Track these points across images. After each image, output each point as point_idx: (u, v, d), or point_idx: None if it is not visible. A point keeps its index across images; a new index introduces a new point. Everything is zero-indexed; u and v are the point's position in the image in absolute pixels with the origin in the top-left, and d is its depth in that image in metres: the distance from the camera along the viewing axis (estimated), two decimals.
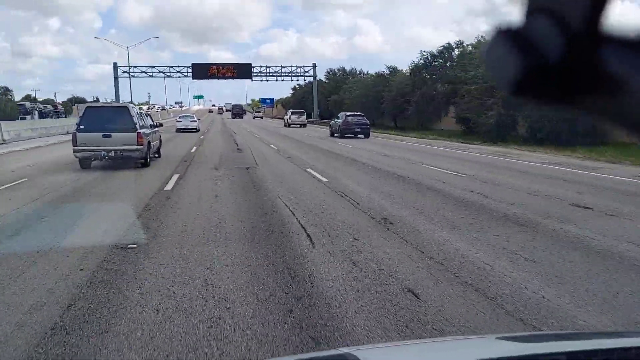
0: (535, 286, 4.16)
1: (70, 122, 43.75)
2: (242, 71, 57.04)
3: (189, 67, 56.01)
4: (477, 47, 36.72)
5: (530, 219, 6.75)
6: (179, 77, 57.19)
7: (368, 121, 29.98)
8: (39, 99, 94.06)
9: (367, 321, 3.50)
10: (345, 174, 11.69)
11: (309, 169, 12.66)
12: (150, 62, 63.96)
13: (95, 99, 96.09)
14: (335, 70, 67.06)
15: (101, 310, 3.72)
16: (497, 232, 6.05)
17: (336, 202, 8.09)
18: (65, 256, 5.09)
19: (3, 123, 29.87)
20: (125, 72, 54.20)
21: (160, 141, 16.58)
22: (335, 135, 28.77)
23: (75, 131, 12.81)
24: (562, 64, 0.39)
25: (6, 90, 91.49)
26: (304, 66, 58.61)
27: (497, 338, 1.48)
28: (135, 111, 13.84)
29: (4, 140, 27.20)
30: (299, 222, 6.56)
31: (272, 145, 21.57)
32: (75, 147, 12.61)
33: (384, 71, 52.83)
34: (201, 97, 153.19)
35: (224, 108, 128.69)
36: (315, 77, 59.34)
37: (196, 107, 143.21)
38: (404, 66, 52.55)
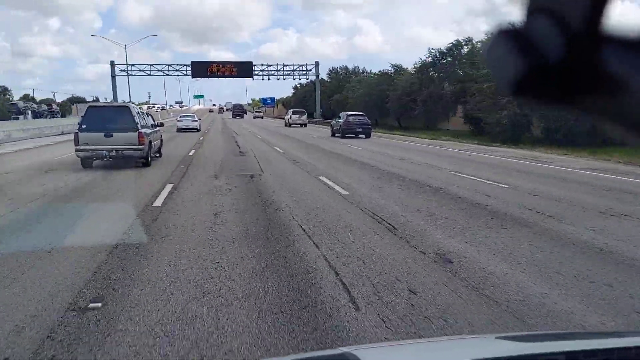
0: None
1: (66, 122, 42.07)
2: (243, 69, 55.21)
3: (188, 65, 54.23)
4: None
5: None
6: (178, 75, 55.54)
7: (369, 121, 29.16)
8: (38, 99, 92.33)
9: None
10: (365, 184, 9.98)
11: (322, 178, 10.94)
12: (149, 62, 63.09)
13: (94, 98, 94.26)
14: (338, 69, 65.39)
15: None
16: (607, 279, 4.33)
17: (366, 226, 6.38)
18: None
19: None
20: (123, 70, 52.43)
21: (162, 141, 16.27)
22: (337, 135, 28.07)
23: (77, 131, 12.74)
24: (562, 64, 0.38)
25: (5, 90, 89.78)
26: (306, 64, 56.81)
27: (496, 338, 1.46)
28: (137, 111, 13.71)
29: None
30: (328, 262, 4.83)
31: (276, 148, 19.85)
32: (77, 147, 12.58)
33: (388, 70, 51.20)
34: (201, 96, 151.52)
35: (225, 108, 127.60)
36: (317, 76, 57.57)
37: (196, 107, 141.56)
38: (405, 65, 51.07)
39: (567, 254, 5.09)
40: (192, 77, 55.53)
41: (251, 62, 56.13)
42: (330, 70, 66.14)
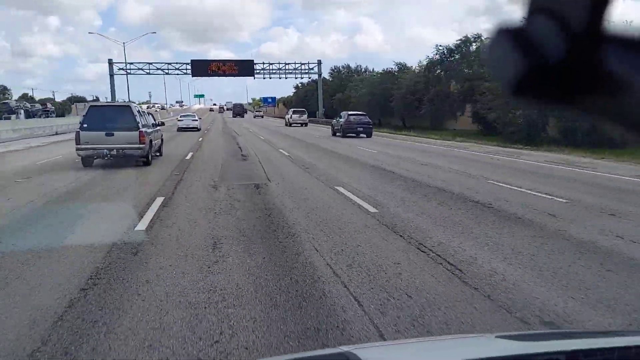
0: None
1: (60, 122, 40.27)
2: (244, 68, 53.39)
3: (188, 64, 52.44)
4: None
5: None
6: (177, 74, 53.76)
7: (370, 120, 28.64)
8: (37, 99, 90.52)
9: None
10: (394, 198, 8.25)
11: (339, 188, 9.23)
12: (149, 61, 60.89)
13: (94, 98, 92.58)
14: (340, 68, 63.62)
15: None
16: None
17: (419, 267, 4.64)
18: None
19: None
20: (122, 69, 50.62)
21: (162, 140, 16.18)
22: (337, 134, 27.70)
23: (78, 130, 12.74)
24: (562, 63, 0.38)
25: (4, 90, 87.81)
26: (308, 63, 55.02)
27: (496, 337, 1.42)
28: (138, 110, 13.64)
29: None
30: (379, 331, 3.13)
31: (280, 150, 18.10)
32: (79, 146, 12.58)
33: (391, 68, 49.48)
34: (202, 96, 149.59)
35: (225, 107, 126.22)
36: (320, 75, 55.78)
37: (197, 106, 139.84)
38: (409, 64, 49.31)
39: None
40: (192, 76, 53.79)
41: (252, 60, 54.40)
42: (332, 69, 64.38)
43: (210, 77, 61.26)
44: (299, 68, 54.99)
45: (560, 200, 7.94)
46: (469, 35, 36.99)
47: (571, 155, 16.20)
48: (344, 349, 1.20)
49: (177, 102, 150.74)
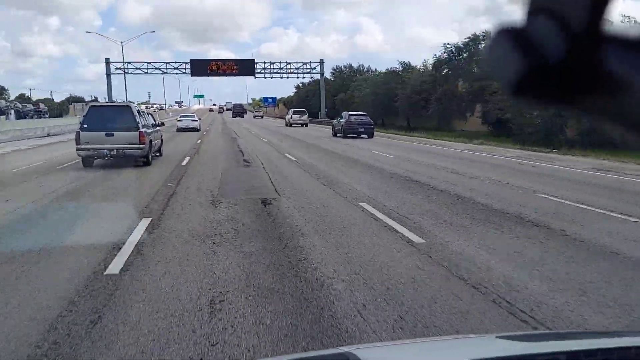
0: None
1: (53, 124, 38.44)
2: (245, 67, 51.62)
3: (187, 63, 50.67)
4: None
5: None
6: (176, 73, 51.86)
7: (371, 121, 28.26)
8: (35, 99, 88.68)
9: None
10: (439, 220, 6.53)
11: (365, 205, 7.55)
12: (148, 60, 58.95)
13: (93, 98, 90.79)
14: (342, 67, 61.95)
15: None
16: None
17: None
18: None
19: None
20: (119, 68, 48.85)
21: (162, 140, 16.17)
22: (338, 135, 27.39)
23: (78, 130, 12.75)
24: (562, 64, 0.38)
25: (1, 90, 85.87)
26: (310, 62, 53.30)
27: (497, 337, 1.43)
28: (138, 110, 13.57)
29: None
30: None
31: (287, 154, 16.40)
32: (79, 146, 12.55)
33: (395, 67, 47.82)
34: (201, 96, 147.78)
35: (225, 107, 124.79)
36: (322, 74, 54.05)
37: (196, 107, 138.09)
38: (414, 63, 47.76)
39: None
40: (192, 76, 51.96)
41: (253, 59, 52.67)
42: (334, 69, 62.71)
43: (210, 77, 59.60)
44: (301, 67, 53.25)
45: None
46: (477, 33, 35.38)
47: (609, 160, 14.51)
48: (344, 349, 1.17)
49: (176, 102, 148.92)
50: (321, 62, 53.46)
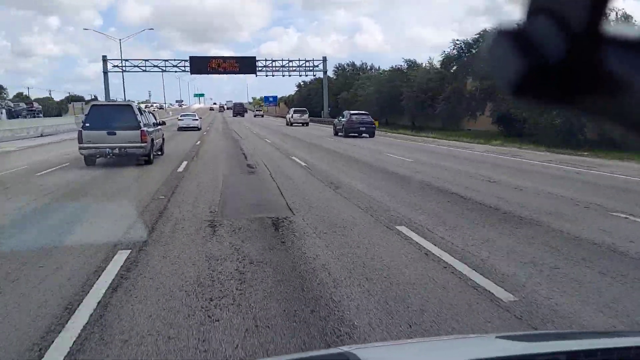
0: None
1: (48, 123, 36.67)
2: (245, 65, 49.82)
3: (186, 61, 48.90)
4: None
5: None
6: (176, 71, 50.01)
7: (373, 120, 27.88)
8: (33, 97, 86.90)
9: None
10: (508, 253, 4.88)
11: (404, 230, 5.90)
12: (146, 58, 56.78)
13: (93, 97, 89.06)
14: (345, 65, 60.24)
15: None
16: None
17: None
18: None
19: None
20: (116, 66, 47.07)
21: (163, 139, 16.02)
22: (339, 134, 27.19)
23: (80, 129, 12.72)
24: (562, 63, 0.38)
25: (0, 89, 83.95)
26: (313, 60, 51.50)
27: (497, 337, 1.41)
28: (139, 109, 13.56)
29: None
30: None
31: (294, 158, 14.73)
32: (81, 145, 12.53)
33: (400, 65, 46.12)
34: (202, 95, 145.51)
35: (225, 106, 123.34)
36: (325, 72, 52.28)
37: (197, 106, 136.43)
38: (417, 60, 46.06)
39: None
40: (191, 74, 50.19)
41: (254, 57, 50.82)
42: (336, 67, 61.00)
43: (210, 76, 57.75)
44: (303, 65, 51.48)
45: None
46: (488, 29, 33.68)
47: None
48: (344, 349, 1.15)
49: (177, 101, 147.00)
50: (324, 60, 51.71)
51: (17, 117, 41.77)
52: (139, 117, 12.74)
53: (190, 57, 48.88)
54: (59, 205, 7.79)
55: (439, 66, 37.53)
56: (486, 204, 7.52)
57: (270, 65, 50.83)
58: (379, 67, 56.55)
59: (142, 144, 12.49)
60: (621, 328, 3.31)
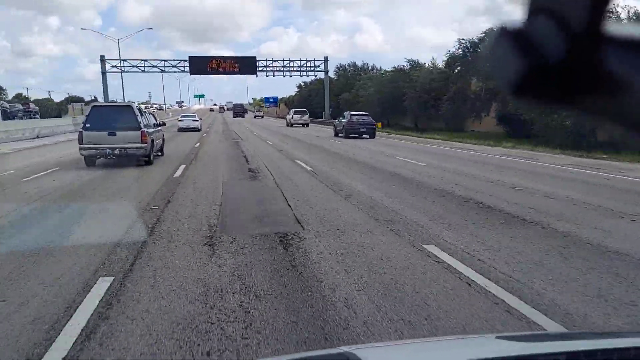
0: None
1: (45, 124, 35.71)
2: (246, 65, 48.93)
3: (186, 61, 48.00)
4: None
5: None
6: (175, 72, 49.14)
7: (373, 121, 27.66)
8: (32, 98, 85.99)
9: None
10: (551, 278, 4.04)
11: (433, 250, 5.06)
12: (145, 58, 55.52)
13: (93, 97, 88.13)
14: (346, 66, 59.39)
15: None
16: None
17: None
18: None
19: None
20: (115, 66, 46.18)
21: (164, 140, 15.98)
22: (340, 135, 27.03)
23: (81, 130, 12.70)
24: (562, 63, 0.37)
25: None
26: (314, 60, 50.62)
27: (496, 337, 1.41)
28: (139, 110, 13.54)
29: None
30: None
31: (298, 161, 13.89)
32: (82, 145, 12.51)
33: (403, 65, 45.28)
34: (202, 96, 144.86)
35: (225, 107, 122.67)
36: (326, 73, 51.40)
37: (197, 107, 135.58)
38: (422, 61, 45.24)
39: None
40: (190, 74, 49.30)
41: (254, 57, 49.94)
42: (337, 68, 60.13)
43: (210, 76, 56.72)
44: (304, 65, 50.60)
45: None
46: (493, 28, 32.84)
47: None
48: (344, 349, 1.14)
49: (177, 102, 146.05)
50: (325, 60, 50.82)
51: (13, 118, 40.81)
52: (139, 118, 12.69)
53: (190, 57, 48.00)
54: (36, 219, 6.92)
55: (442, 66, 36.64)
56: (519, 216, 6.66)
57: (271, 65, 49.96)
58: (380, 68, 55.73)
59: (142, 145, 12.43)
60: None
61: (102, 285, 4.08)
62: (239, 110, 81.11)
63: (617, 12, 26.70)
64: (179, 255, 4.98)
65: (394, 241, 5.46)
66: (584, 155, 15.59)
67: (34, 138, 29.17)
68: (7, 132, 27.51)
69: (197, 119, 35.71)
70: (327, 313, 3.51)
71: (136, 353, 2.93)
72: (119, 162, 12.78)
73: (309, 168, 12.22)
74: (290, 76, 50.43)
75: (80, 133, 12.63)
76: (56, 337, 3.15)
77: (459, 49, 33.21)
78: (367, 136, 26.17)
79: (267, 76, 50.30)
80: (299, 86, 72.47)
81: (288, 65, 50.15)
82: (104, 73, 45.93)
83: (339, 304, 3.68)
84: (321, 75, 52.53)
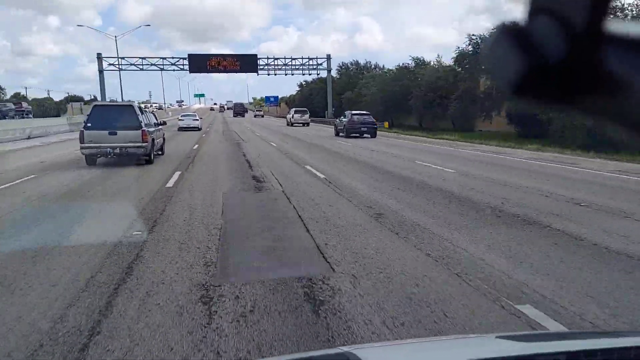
0: None
1: (37, 124, 33.85)
2: (246, 63, 47.14)
3: (185, 59, 46.23)
4: None
5: None
6: (174, 70, 47.33)
7: (374, 120, 26.97)
8: (31, 98, 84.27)
9: None
10: None
11: (531, 312, 3.37)
12: (143, 56, 53.11)
13: (92, 97, 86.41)
14: (348, 64, 57.63)
15: None
16: None
17: None
18: None
19: None
20: (112, 64, 44.37)
21: (164, 139, 15.94)
22: (341, 134, 26.45)
23: (82, 129, 12.57)
24: (563, 63, 0.37)
25: None
26: (316, 58, 48.84)
27: (497, 337, 1.36)
28: (140, 109, 13.40)
29: None
30: None
31: (308, 167, 12.20)
32: (83, 144, 12.42)
33: (407, 63, 43.59)
34: (202, 95, 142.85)
35: (226, 106, 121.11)
36: (329, 71, 49.67)
37: (197, 106, 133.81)
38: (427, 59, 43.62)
39: None
40: (190, 72, 47.51)
41: (256, 54, 48.22)
42: (339, 66, 58.33)
43: (210, 75, 54.93)
44: (306, 64, 48.81)
45: None
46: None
47: None
48: (344, 348, 1.13)
49: (177, 101, 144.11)
50: (328, 58, 49.05)
51: (4, 118, 38.99)
52: (140, 117, 12.60)
53: (189, 55, 46.21)
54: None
55: (452, 63, 34.95)
56: (621, 251, 4.97)
57: (273, 63, 48.19)
58: (383, 66, 54.02)
59: (143, 144, 12.33)
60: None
61: None
62: (239, 110, 79.71)
63: (624, 8, 25.14)
64: (160, 322, 3.28)
65: (471, 297, 3.75)
66: (623, 159, 13.88)
67: (25, 139, 27.45)
68: None
69: (197, 118, 35.01)
70: None
71: None
72: (119, 161, 12.56)
73: (321, 175, 10.51)
74: (292, 74, 48.74)
75: (82, 132, 12.48)
76: None
77: (468, 45, 31.48)
78: (368, 135, 25.47)
79: (268, 74, 48.57)
80: (300, 85, 70.78)
81: (290, 63, 48.36)
82: (101, 71, 44.10)
83: None
84: (323, 73, 50.81)
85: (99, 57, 44.17)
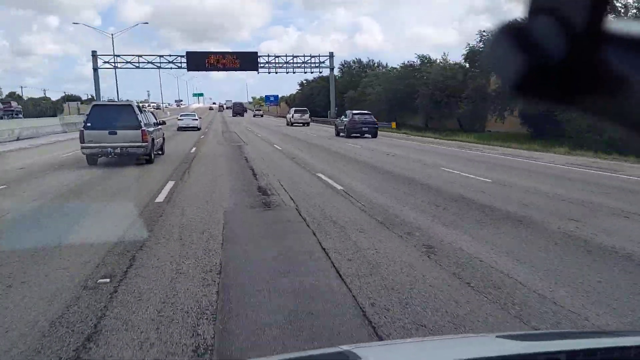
0: None
1: (27, 124, 31.97)
2: (246, 61, 45.48)
3: (183, 56, 44.57)
4: None
5: None
6: (172, 68, 45.66)
7: (375, 120, 26.45)
8: (29, 97, 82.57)
9: None
10: None
11: None
12: (140, 54, 51.12)
13: (90, 96, 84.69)
14: (351, 63, 56.04)
15: None
16: None
17: None
18: None
19: None
20: (107, 62, 42.71)
21: (164, 139, 15.87)
22: (341, 134, 25.93)
23: (82, 129, 12.54)
24: (563, 63, 0.37)
25: None
26: (319, 55, 47.21)
27: (497, 337, 1.33)
28: (139, 109, 13.35)
29: None
30: None
31: (320, 175, 10.61)
32: (83, 144, 12.40)
33: (413, 62, 42.07)
34: (201, 94, 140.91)
35: (225, 106, 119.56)
36: (332, 69, 48.06)
37: (195, 105, 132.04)
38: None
39: None
40: (188, 70, 45.86)
41: (256, 52, 46.59)
42: (342, 65, 56.73)
43: (209, 74, 53.28)
44: (308, 62, 47.19)
45: None
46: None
47: None
48: (344, 348, 1.13)
49: (175, 101, 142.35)
50: (331, 55, 47.43)
51: None
52: (140, 117, 12.54)
53: (187, 53, 44.55)
54: None
55: (462, 60, 33.43)
56: None
57: (273, 61, 46.56)
58: (386, 64, 52.46)
59: (143, 144, 12.28)
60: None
61: None
62: (238, 109, 78.27)
63: (627, 7, 23.73)
64: None
65: None
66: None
67: (14, 140, 25.79)
68: None
69: (196, 117, 34.31)
70: None
71: None
72: (116, 162, 12.51)
73: (339, 187, 8.92)
74: (294, 72, 47.12)
75: (82, 132, 12.45)
76: None
77: (480, 41, 29.92)
78: (369, 135, 24.95)
79: (269, 73, 46.95)
80: (301, 84, 69.19)
81: (291, 61, 46.75)
82: (95, 69, 42.41)
83: None
84: (326, 72, 49.15)
85: (94, 55, 42.43)
